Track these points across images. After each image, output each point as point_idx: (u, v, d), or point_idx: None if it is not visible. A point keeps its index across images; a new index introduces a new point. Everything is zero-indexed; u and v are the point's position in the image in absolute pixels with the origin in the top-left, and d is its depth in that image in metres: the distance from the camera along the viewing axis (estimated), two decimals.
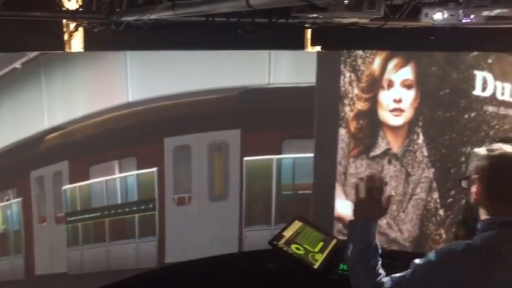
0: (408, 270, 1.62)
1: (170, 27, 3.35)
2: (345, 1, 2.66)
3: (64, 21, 3.29)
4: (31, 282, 3.81)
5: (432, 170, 4.39)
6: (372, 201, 1.71)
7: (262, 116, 4.69)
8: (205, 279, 3.95)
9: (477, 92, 4.22)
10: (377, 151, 4.51)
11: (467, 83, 4.22)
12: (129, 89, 4.14)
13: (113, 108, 4.05)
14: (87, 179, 4.00)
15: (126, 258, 4.23)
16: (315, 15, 2.92)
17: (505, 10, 2.41)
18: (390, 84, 4.35)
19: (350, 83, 4.39)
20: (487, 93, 4.22)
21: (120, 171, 4.16)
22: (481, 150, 1.58)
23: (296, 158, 4.85)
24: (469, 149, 4.17)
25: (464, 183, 1.61)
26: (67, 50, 3.39)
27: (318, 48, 4.39)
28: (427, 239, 4.53)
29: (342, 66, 4.39)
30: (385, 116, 4.41)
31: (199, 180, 4.64)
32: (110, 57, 3.96)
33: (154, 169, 4.36)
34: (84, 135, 3.89)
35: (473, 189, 1.55)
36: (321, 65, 4.41)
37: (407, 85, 4.32)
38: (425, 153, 4.33)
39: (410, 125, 4.41)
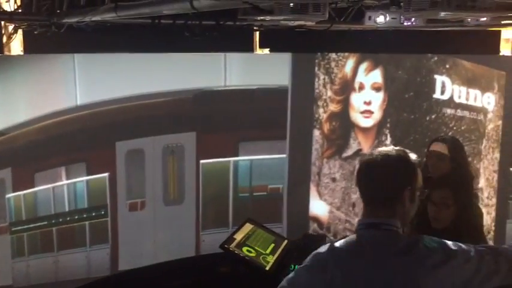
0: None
1: (115, 29, 3.29)
2: (290, 4, 2.69)
3: (2, 23, 3.16)
4: None
5: None
6: None
7: (218, 118, 4.67)
8: (159, 285, 3.90)
9: (437, 95, 4.43)
10: (349, 152, 4.63)
11: (428, 86, 4.44)
12: (77, 92, 4.03)
13: (60, 112, 3.94)
14: (33, 186, 3.86)
15: (76, 267, 4.11)
16: (262, 18, 2.94)
17: (443, 13, 2.51)
18: (361, 87, 4.47)
19: (324, 85, 4.50)
20: (446, 97, 4.43)
21: (69, 178, 4.04)
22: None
23: (253, 160, 4.86)
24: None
25: None
26: (6, 53, 3.26)
27: (267, 50, 4.43)
28: None
29: (317, 68, 4.50)
30: (356, 117, 4.54)
31: (153, 184, 4.57)
32: (57, 59, 3.84)
33: (106, 174, 4.27)
34: (28, 141, 3.75)
35: None
36: (296, 67, 4.47)
37: (376, 88, 4.47)
38: None
39: (379, 126, 4.57)
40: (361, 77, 4.49)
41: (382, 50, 4.24)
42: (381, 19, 2.90)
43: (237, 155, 4.78)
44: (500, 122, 4.51)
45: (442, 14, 2.35)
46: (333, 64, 4.47)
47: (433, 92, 4.43)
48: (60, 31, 3.06)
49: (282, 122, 4.72)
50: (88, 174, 4.14)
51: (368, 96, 4.51)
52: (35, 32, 3.15)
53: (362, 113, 4.51)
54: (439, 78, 4.40)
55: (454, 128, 4.50)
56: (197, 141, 4.59)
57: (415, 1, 2.42)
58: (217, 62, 4.56)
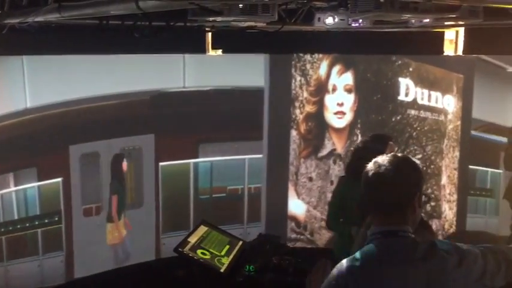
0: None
1: (61, 30, 3.19)
2: (240, 5, 2.70)
3: None
4: None
5: None
6: None
7: (177, 120, 4.62)
8: None
9: (402, 97, 4.61)
10: (324, 152, 4.73)
11: (393, 89, 4.61)
12: (27, 94, 3.89)
13: (8, 116, 3.79)
14: None
15: (28, 276, 3.96)
16: (213, 19, 2.93)
17: (388, 15, 2.57)
18: (334, 89, 4.60)
19: (300, 87, 4.60)
20: (410, 98, 4.62)
21: (18, 184, 3.90)
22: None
23: (214, 161, 4.84)
24: (396, 149, 4.35)
25: None
26: None
27: (219, 51, 4.42)
28: None
29: (293, 70, 4.58)
30: (330, 118, 4.66)
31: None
32: (3, 61, 3.70)
33: (59, 179, 4.15)
34: None
35: None
36: (273, 69, 4.56)
37: (348, 90, 4.61)
38: None
39: (351, 127, 4.70)
40: (334, 79, 4.63)
41: (331, 50, 4.33)
42: (329, 20, 2.94)
43: (197, 157, 4.76)
44: (459, 123, 4.71)
45: (386, 15, 2.40)
46: (308, 66, 4.58)
47: (398, 94, 4.61)
48: (2, 32, 2.95)
49: (243, 123, 4.75)
50: (40, 180, 4.00)
51: (340, 97, 4.65)
52: None
53: (335, 113, 4.65)
54: (403, 81, 4.58)
55: (418, 128, 4.68)
56: (156, 143, 4.54)
57: (360, 3, 2.47)
58: (175, 63, 4.53)
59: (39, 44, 3.33)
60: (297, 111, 4.66)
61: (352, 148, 4.03)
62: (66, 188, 4.14)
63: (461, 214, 4.78)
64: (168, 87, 4.54)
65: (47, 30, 3.10)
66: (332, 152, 4.74)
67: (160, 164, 4.61)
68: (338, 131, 4.71)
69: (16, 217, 3.93)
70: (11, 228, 3.87)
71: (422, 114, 4.57)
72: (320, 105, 4.67)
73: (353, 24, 2.94)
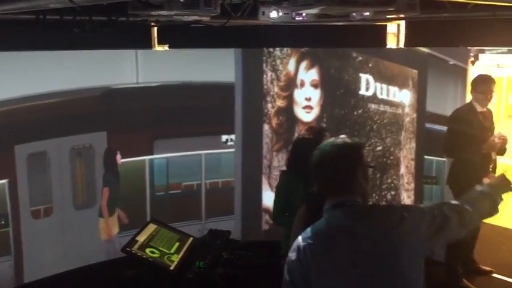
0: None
1: None
2: None
3: None
4: None
5: None
6: None
7: (130, 116, 4.49)
8: None
9: (362, 91, 4.72)
10: None
11: (355, 84, 4.72)
12: None
13: None
14: None
15: None
16: (157, 13, 2.87)
17: (330, 8, 2.59)
18: (302, 84, 4.68)
19: (271, 82, 4.66)
20: (370, 93, 4.73)
21: None
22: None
23: (170, 157, 4.76)
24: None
25: None
26: None
27: (166, 47, 4.35)
28: None
29: (264, 65, 4.61)
30: (299, 112, 4.72)
31: (61, 189, 4.32)
32: None
33: (5, 181, 3.97)
34: None
35: None
36: (246, 64, 4.54)
37: (314, 85, 4.69)
38: None
39: (318, 121, 4.78)
40: (302, 75, 4.70)
41: (277, 44, 4.35)
42: (274, 14, 2.94)
43: (152, 153, 4.66)
44: (415, 115, 4.86)
45: (326, 9, 2.42)
46: (278, 62, 4.64)
47: (359, 89, 4.72)
48: None
49: (199, 119, 4.67)
50: None
51: (308, 92, 4.71)
52: None
53: (304, 108, 4.71)
54: (364, 77, 4.69)
55: (378, 121, 4.80)
56: (108, 140, 4.41)
57: None
58: (128, 58, 4.39)
59: None
60: (269, 105, 4.72)
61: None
62: (12, 190, 3.97)
63: (418, 201, 4.91)
64: (120, 83, 4.42)
65: None
66: None
67: None
68: (306, 124, 4.73)
69: None
70: None
71: (382, 108, 4.69)
72: (290, 99, 4.74)
73: (297, 18, 2.94)
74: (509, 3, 2.46)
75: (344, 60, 4.71)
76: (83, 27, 2.79)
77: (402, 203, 4.93)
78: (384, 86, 4.72)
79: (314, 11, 2.49)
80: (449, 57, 4.74)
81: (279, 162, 4.86)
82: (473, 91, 3.84)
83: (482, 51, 5.48)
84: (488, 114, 3.89)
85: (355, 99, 4.75)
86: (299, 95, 4.74)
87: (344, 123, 4.67)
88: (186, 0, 2.64)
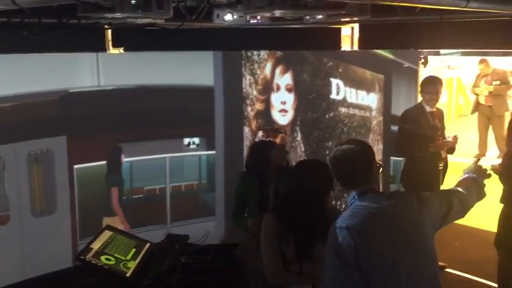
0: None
1: None
2: (132, 1, 2.59)
3: None
4: None
5: None
6: None
7: (91, 120, 4.38)
8: None
9: (333, 95, 4.87)
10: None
11: (326, 88, 4.87)
12: None
13: None
14: None
15: None
16: (109, 16, 2.79)
17: (282, 11, 2.59)
18: (278, 88, 4.81)
19: (250, 85, 4.74)
20: (340, 97, 4.89)
21: None
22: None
23: (133, 161, 4.65)
24: (330, 143, 4.79)
25: None
26: None
27: (121, 49, 4.26)
28: None
29: (243, 69, 4.68)
30: (275, 115, 4.85)
31: (18, 196, 4.14)
32: None
33: None
34: None
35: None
36: (226, 67, 4.61)
37: (289, 89, 4.84)
38: (303, 149, 4.90)
39: (293, 124, 4.91)
40: (277, 79, 4.84)
41: (232, 47, 4.35)
42: (228, 17, 2.92)
43: None
44: (381, 118, 5.03)
45: (277, 12, 2.42)
46: (256, 66, 4.76)
47: (330, 93, 4.87)
48: None
49: (163, 122, 4.63)
50: None
51: (283, 96, 4.85)
52: None
53: (280, 111, 4.84)
54: (334, 81, 4.85)
55: (348, 124, 4.95)
56: (68, 145, 4.28)
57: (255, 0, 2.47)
58: (88, 61, 4.28)
59: None
60: (248, 108, 4.80)
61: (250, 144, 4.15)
62: None
63: None
64: (80, 86, 4.31)
65: None
66: None
67: (75, 166, 4.37)
68: (283, 127, 4.85)
69: None
70: None
71: (351, 111, 4.85)
72: (267, 103, 4.85)
73: (252, 21, 2.94)
74: (453, 7, 2.54)
75: (316, 66, 4.86)
76: (32, 30, 2.68)
77: None
78: (353, 90, 4.89)
79: (267, 13, 2.49)
80: (403, 60, 4.91)
81: None
82: (422, 92, 3.94)
83: (438, 53, 5.70)
84: (438, 114, 4.00)
85: (327, 103, 4.89)
86: (275, 98, 4.87)
87: (317, 126, 4.82)
88: (138, 2, 2.58)
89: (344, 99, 4.89)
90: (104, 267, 2.70)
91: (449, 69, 6.58)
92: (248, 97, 4.78)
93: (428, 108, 3.89)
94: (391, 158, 5.09)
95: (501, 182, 3.40)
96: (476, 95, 6.34)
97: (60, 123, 4.25)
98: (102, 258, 2.76)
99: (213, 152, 4.86)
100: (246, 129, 4.85)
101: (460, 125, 6.72)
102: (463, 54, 6.02)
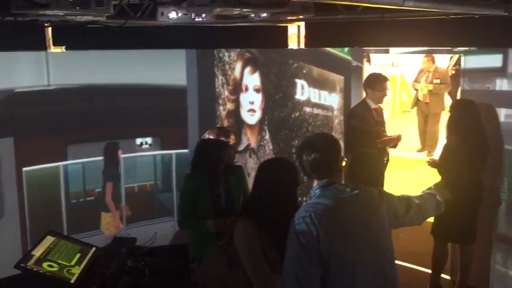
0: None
1: None
2: None
3: None
4: None
5: None
6: None
7: (41, 120, 4.20)
8: None
9: (298, 96, 4.95)
10: (242, 146, 4.90)
11: (291, 89, 4.94)
12: None
13: None
14: None
15: None
16: (44, 13, 2.66)
17: (225, 9, 2.56)
18: (246, 88, 4.85)
19: (222, 85, 4.76)
20: (305, 97, 4.97)
21: None
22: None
23: (86, 162, 4.50)
24: (296, 142, 4.85)
25: None
26: None
27: (62, 48, 4.10)
28: None
29: (216, 69, 4.69)
30: (245, 115, 4.89)
31: None
32: None
33: None
34: None
35: None
36: (201, 67, 4.61)
37: (256, 89, 4.87)
38: (271, 147, 4.97)
39: (261, 123, 4.95)
40: (246, 79, 4.84)
41: (178, 45, 4.28)
42: (173, 15, 2.85)
43: (66, 159, 4.39)
44: (342, 117, 5.10)
45: (218, 9, 2.39)
46: (227, 66, 4.78)
47: (295, 93, 4.96)
48: None
49: (115, 122, 4.50)
50: None
51: (251, 96, 4.89)
52: None
53: (248, 111, 4.88)
54: (299, 82, 4.93)
55: (312, 123, 5.04)
56: (16, 147, 4.08)
57: None
58: (39, 60, 4.07)
59: None
60: (221, 108, 4.82)
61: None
62: None
63: None
64: (29, 85, 4.11)
65: None
66: (248, 147, 4.99)
67: (24, 169, 4.17)
68: (251, 127, 4.95)
69: None
70: None
71: (315, 111, 4.93)
72: (237, 103, 4.87)
73: (197, 19, 2.89)
74: (391, 5, 2.60)
75: (282, 67, 4.94)
76: None
77: None
78: (316, 90, 4.98)
79: (210, 11, 2.45)
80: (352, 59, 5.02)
81: None
82: (368, 89, 4.02)
83: (387, 51, 5.85)
84: (380, 110, 4.11)
85: (292, 103, 4.99)
86: (244, 98, 4.92)
87: (284, 125, 4.91)
88: None
89: (308, 100, 4.99)
90: (46, 275, 2.57)
91: (393, 67, 6.76)
92: (220, 97, 4.82)
93: (372, 105, 3.98)
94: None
95: (439, 174, 3.54)
96: (416, 90, 6.47)
97: (6, 125, 4.04)
98: (45, 265, 2.62)
99: (169, 151, 4.76)
100: None
101: (403, 120, 6.91)
102: (414, 52, 6.18)
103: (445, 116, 4.99)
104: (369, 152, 3.87)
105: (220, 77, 4.77)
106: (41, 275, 2.57)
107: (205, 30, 4.11)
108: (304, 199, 4.94)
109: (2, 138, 4.05)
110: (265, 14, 2.83)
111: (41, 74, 4.17)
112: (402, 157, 5.51)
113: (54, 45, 3.95)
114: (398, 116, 7.22)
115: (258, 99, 4.93)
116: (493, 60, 3.76)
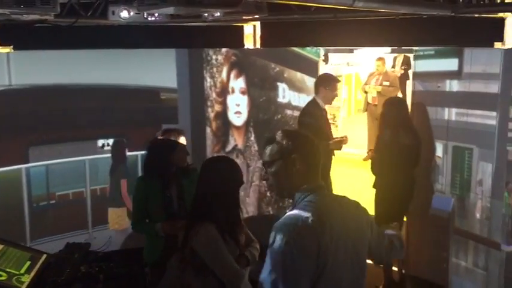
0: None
1: None
2: None
3: None
4: None
5: (261, 161, 4.87)
6: None
7: (1, 122, 4.05)
8: None
9: (280, 99, 5.05)
10: (229, 147, 5.01)
11: (274, 92, 5.03)
12: None
13: None
14: None
15: None
16: None
17: (176, 8, 2.51)
18: (233, 91, 4.93)
19: (210, 88, 4.84)
20: (286, 100, 5.07)
21: None
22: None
23: (49, 165, 4.35)
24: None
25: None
26: None
27: (10, 48, 3.93)
28: (263, 217, 5.19)
29: (204, 72, 4.75)
30: (231, 117, 4.98)
31: None
32: None
33: None
34: None
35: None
36: (192, 68, 4.68)
37: (242, 92, 4.95)
38: (256, 148, 5.03)
39: (247, 125, 5.03)
40: (232, 82, 4.92)
41: (133, 45, 4.18)
42: (124, 14, 2.77)
43: (27, 161, 4.24)
44: None
45: (172, 9, 2.35)
46: (214, 69, 4.82)
47: (278, 96, 5.06)
48: None
49: (80, 122, 4.39)
50: None
51: (237, 99, 4.97)
52: None
53: (235, 113, 4.97)
54: (281, 86, 5.04)
55: (293, 125, 5.02)
56: None
57: None
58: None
59: None
60: (209, 109, 4.88)
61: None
62: None
63: None
64: None
65: None
66: (235, 148, 5.06)
67: None
68: (237, 128, 5.03)
69: None
70: None
71: (295, 113, 4.92)
72: (224, 105, 4.93)
73: (149, 18, 2.82)
74: (341, 6, 2.63)
75: (265, 70, 5.02)
76: None
77: None
78: (296, 93, 5.06)
79: (163, 10, 2.40)
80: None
81: None
82: (321, 88, 3.98)
83: (351, 50, 5.92)
84: (325, 112, 4.14)
85: (275, 106, 5.09)
86: (231, 100, 4.98)
87: (267, 127, 4.99)
88: None
89: (289, 102, 5.08)
90: None
91: (349, 66, 6.86)
92: (209, 99, 4.88)
93: (322, 105, 4.01)
94: None
95: (372, 165, 3.82)
96: (366, 93, 6.50)
97: None
98: None
99: (134, 153, 4.64)
100: (208, 130, 4.95)
101: (358, 119, 6.99)
102: (392, 51, 6.26)
103: None
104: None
105: (208, 80, 4.86)
106: None
107: (160, 30, 4.03)
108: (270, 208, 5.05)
109: None
110: (218, 14, 2.80)
111: (1, 74, 4.01)
112: (352, 154, 5.66)
113: (1, 45, 3.76)
114: (353, 115, 7.36)
115: (243, 101, 5.03)
116: (448, 63, 3.83)
